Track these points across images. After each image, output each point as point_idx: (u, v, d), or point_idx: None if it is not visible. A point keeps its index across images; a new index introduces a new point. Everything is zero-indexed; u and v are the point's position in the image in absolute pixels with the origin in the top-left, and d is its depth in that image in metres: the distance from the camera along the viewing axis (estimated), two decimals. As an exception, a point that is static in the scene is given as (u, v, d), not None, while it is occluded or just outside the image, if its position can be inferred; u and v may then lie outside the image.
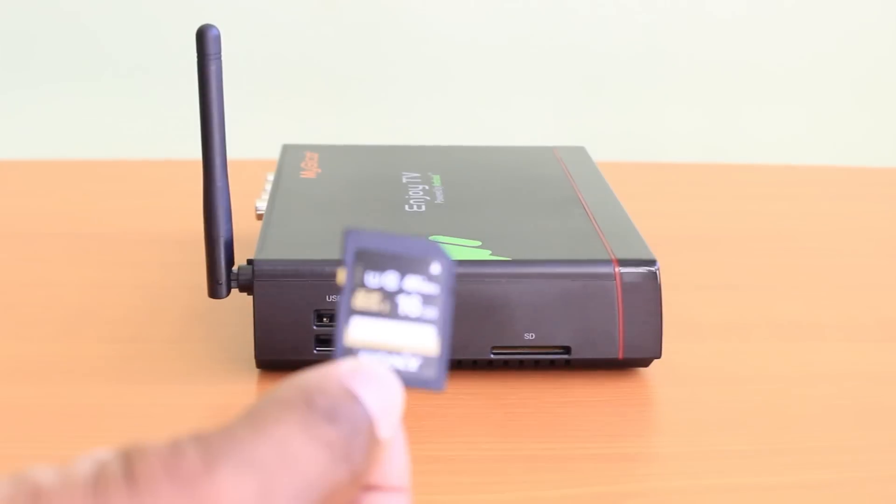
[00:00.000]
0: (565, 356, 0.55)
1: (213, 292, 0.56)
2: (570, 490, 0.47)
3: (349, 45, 1.23)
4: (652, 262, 0.55)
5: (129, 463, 0.26)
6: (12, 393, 0.54)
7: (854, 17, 1.25)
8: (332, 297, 0.54)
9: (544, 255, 0.56)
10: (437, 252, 0.31)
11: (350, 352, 0.30)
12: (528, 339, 0.55)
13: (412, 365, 0.30)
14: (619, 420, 0.53)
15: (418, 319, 0.30)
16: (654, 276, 0.55)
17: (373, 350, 0.30)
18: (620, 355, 0.55)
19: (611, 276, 0.55)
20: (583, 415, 0.53)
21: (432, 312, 0.30)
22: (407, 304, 0.30)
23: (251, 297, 0.55)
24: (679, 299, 0.62)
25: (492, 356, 0.55)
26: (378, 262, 0.30)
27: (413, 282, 0.30)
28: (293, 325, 0.54)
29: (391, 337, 0.30)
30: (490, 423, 0.52)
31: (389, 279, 0.30)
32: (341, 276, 0.30)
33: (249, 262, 0.55)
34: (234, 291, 0.56)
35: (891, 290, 0.68)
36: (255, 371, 0.56)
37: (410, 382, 0.30)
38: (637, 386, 0.56)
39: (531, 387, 0.55)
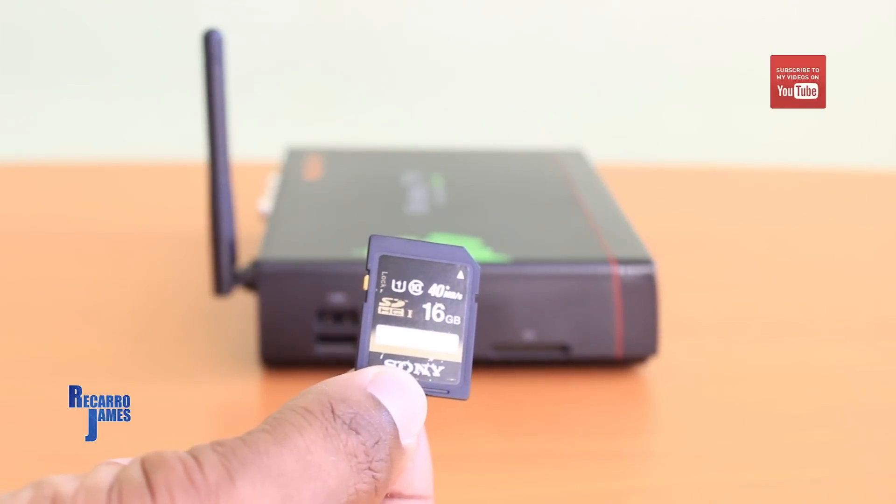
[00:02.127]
0: (564, 354, 0.56)
1: (218, 291, 0.56)
2: (569, 487, 0.48)
3: (350, 49, 1.23)
4: (649, 262, 0.56)
5: (149, 472, 0.26)
6: (18, 391, 0.55)
7: (853, 19, 1.26)
8: (335, 296, 0.55)
9: (544, 255, 0.57)
10: (462, 258, 0.30)
11: (374, 358, 0.30)
12: (528, 338, 0.55)
13: (435, 373, 0.30)
14: (616, 417, 0.54)
15: (442, 326, 0.30)
16: (651, 276, 0.56)
17: (396, 357, 0.30)
18: (618, 353, 0.56)
19: (609, 276, 0.55)
20: (581, 412, 0.54)
21: (456, 319, 0.30)
22: (431, 311, 0.30)
23: (255, 295, 0.56)
24: (676, 298, 0.62)
25: (492, 354, 0.56)
26: (403, 268, 0.30)
27: (438, 288, 0.30)
28: (296, 324, 0.55)
29: (415, 344, 0.30)
30: (490, 420, 0.53)
31: (414, 285, 0.30)
32: (366, 282, 0.30)
33: (254, 261, 0.56)
34: (238, 290, 0.57)
35: (886, 289, 0.68)
36: (259, 369, 0.57)
37: (434, 390, 0.30)
38: (635, 383, 0.56)
39: (530, 384, 0.56)
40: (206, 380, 0.56)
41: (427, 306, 0.30)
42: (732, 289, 0.68)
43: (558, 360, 0.56)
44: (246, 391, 0.55)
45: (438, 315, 0.30)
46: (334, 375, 0.57)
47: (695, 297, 0.66)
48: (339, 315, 0.55)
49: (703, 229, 0.78)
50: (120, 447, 0.49)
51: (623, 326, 0.55)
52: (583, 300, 0.55)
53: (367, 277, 0.30)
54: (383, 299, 0.30)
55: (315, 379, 0.55)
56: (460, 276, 0.30)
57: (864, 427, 0.53)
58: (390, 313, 0.30)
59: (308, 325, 0.55)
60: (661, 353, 0.56)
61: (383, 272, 0.30)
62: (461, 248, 0.31)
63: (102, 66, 1.22)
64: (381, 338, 0.30)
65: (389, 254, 0.30)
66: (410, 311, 0.30)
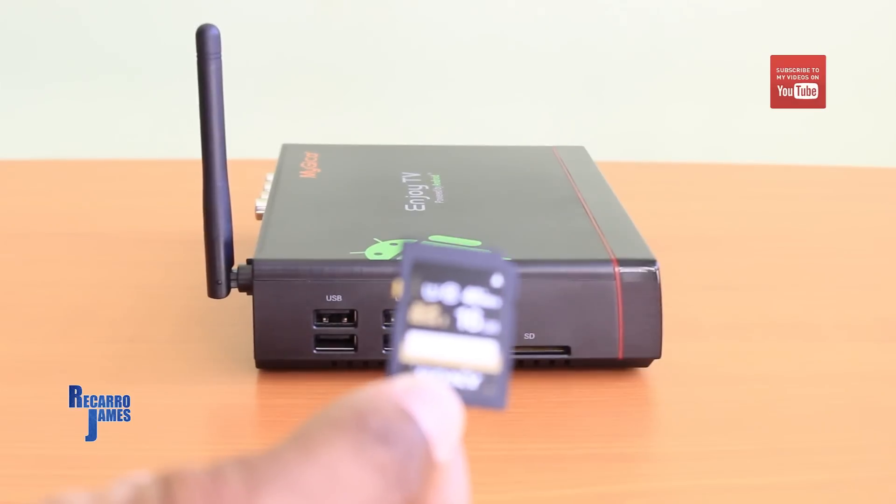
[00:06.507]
0: (565, 356, 0.55)
1: (213, 292, 0.55)
2: (570, 490, 0.47)
3: (348, 45, 1.23)
4: (652, 262, 0.55)
5: (168, 489, 0.25)
6: (12, 393, 0.54)
7: (855, 17, 1.25)
8: (332, 297, 0.54)
9: (544, 254, 0.56)
10: (499, 263, 0.29)
11: (406, 368, 0.28)
12: (529, 339, 0.55)
13: (472, 382, 0.28)
14: (618, 420, 0.53)
15: (479, 334, 0.29)
16: (653, 276, 0.55)
17: (430, 367, 0.28)
18: (620, 355, 0.55)
19: (611, 276, 0.55)
20: (583, 415, 0.53)
21: (494, 327, 0.29)
22: (467, 318, 0.29)
23: (251, 296, 0.55)
24: (679, 299, 0.62)
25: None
26: (436, 273, 0.29)
27: (473, 294, 0.29)
28: (293, 325, 0.54)
29: (450, 353, 0.28)
30: (490, 422, 0.52)
31: (448, 292, 0.29)
32: (398, 288, 0.29)
33: (249, 261, 0.55)
34: (234, 291, 0.56)
35: (890, 289, 0.68)
36: (255, 371, 0.56)
37: (470, 401, 0.28)
38: (637, 386, 0.55)
39: (531, 387, 0.55)
40: (201, 382, 0.55)
41: (462, 314, 0.29)
42: (737, 289, 0.67)
43: (559, 361, 0.56)
44: (242, 393, 0.55)
45: (474, 323, 0.29)
46: (332, 378, 0.57)
47: (698, 297, 0.65)
48: (336, 317, 0.54)
49: (706, 229, 0.78)
50: (118, 448, 0.49)
51: (625, 328, 0.55)
52: (584, 301, 0.54)
53: (399, 284, 0.29)
54: (416, 307, 0.29)
55: (313, 381, 0.55)
56: (497, 281, 0.29)
57: (870, 429, 0.52)
58: (424, 321, 0.29)
59: (305, 327, 0.54)
60: (663, 354, 0.56)
61: (416, 279, 0.29)
62: (497, 253, 0.29)
63: (97, 63, 1.21)
64: (414, 346, 0.28)
65: (423, 260, 0.29)
66: (445, 319, 0.29)
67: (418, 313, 0.29)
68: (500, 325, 0.29)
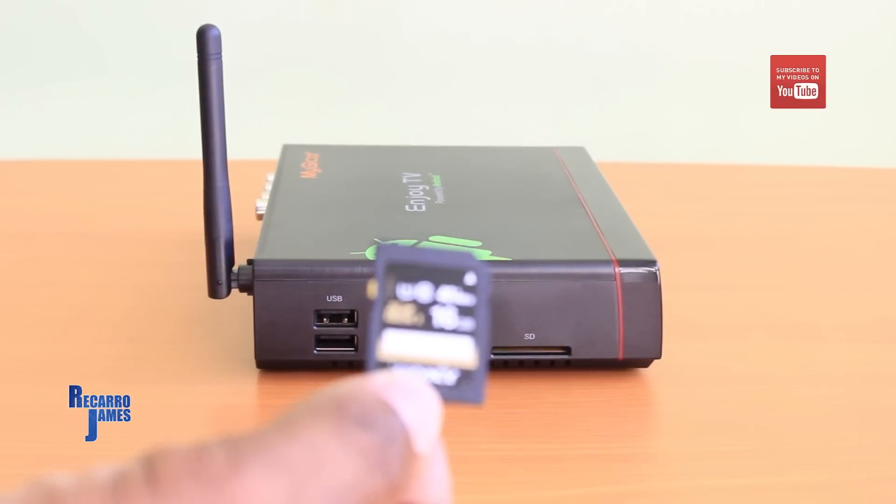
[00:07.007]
0: (565, 356, 0.55)
1: (214, 292, 0.55)
2: (570, 490, 0.47)
3: (349, 46, 1.23)
4: (652, 263, 0.55)
5: (152, 465, 0.25)
6: (13, 393, 0.54)
7: (855, 18, 1.25)
8: (333, 297, 0.54)
9: (544, 255, 0.56)
10: (471, 262, 0.29)
11: (383, 367, 0.29)
12: (529, 340, 0.55)
13: (449, 379, 0.29)
14: (618, 420, 0.53)
15: (454, 331, 0.29)
16: (654, 277, 0.55)
17: (407, 364, 0.29)
18: (620, 356, 0.55)
19: (611, 277, 0.55)
20: (583, 415, 0.53)
21: (469, 324, 0.29)
22: (442, 316, 0.29)
23: (251, 297, 0.55)
24: (679, 300, 0.62)
25: (492, 356, 0.55)
26: (410, 273, 0.29)
27: (447, 292, 0.29)
28: (293, 326, 0.54)
29: (426, 350, 0.29)
30: (490, 423, 0.52)
31: (422, 290, 0.29)
32: (372, 288, 0.29)
33: (250, 262, 0.55)
34: (235, 291, 0.56)
35: (890, 290, 0.68)
36: (256, 371, 0.56)
37: (448, 396, 0.29)
38: (637, 386, 0.55)
39: (531, 387, 0.55)
40: (202, 382, 0.55)
41: (437, 312, 0.29)
42: (737, 290, 0.67)
43: (559, 362, 0.55)
44: (242, 394, 0.55)
45: (449, 320, 0.29)
46: (332, 378, 0.57)
47: (698, 298, 0.65)
48: (337, 317, 0.54)
49: (707, 229, 0.78)
50: (117, 448, 0.49)
51: (625, 328, 0.55)
52: (584, 302, 0.54)
53: (373, 285, 0.29)
54: (391, 306, 0.29)
55: (313, 381, 0.55)
56: (470, 279, 0.29)
57: (870, 429, 0.52)
58: (399, 320, 0.29)
59: (306, 327, 0.54)
60: (664, 355, 0.56)
61: (390, 279, 0.29)
62: (468, 252, 0.30)
63: (97, 63, 1.21)
64: (391, 345, 0.29)
65: (396, 260, 0.29)
66: (420, 318, 0.29)
67: (394, 312, 0.29)
68: (475, 321, 0.29)
